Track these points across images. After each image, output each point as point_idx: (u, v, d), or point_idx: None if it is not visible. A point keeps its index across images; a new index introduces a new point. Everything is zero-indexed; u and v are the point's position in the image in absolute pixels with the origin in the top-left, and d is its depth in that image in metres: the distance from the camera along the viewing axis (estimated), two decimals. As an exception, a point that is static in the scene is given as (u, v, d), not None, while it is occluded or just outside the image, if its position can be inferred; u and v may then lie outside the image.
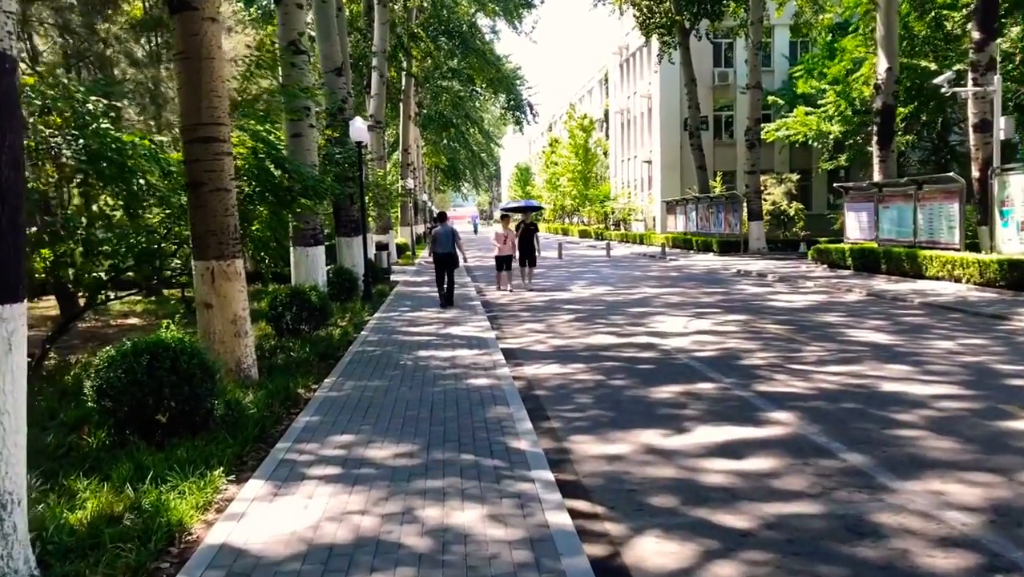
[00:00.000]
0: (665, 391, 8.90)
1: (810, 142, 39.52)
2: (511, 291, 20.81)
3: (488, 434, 6.86)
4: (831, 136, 37.76)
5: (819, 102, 36.96)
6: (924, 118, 35.38)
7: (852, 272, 23.58)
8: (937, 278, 19.67)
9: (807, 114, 37.61)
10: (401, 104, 44.42)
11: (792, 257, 33.16)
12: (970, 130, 20.29)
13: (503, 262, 21.15)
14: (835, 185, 29.66)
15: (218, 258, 8.80)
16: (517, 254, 21.29)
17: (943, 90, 19.71)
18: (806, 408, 7.94)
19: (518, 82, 56.42)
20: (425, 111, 59.30)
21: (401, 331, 13.41)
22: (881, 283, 20.37)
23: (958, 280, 18.80)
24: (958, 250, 19.90)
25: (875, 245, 23.58)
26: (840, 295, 18.63)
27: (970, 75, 19.78)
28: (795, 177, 43.31)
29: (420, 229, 57.91)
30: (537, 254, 21.97)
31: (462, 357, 10.70)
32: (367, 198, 23.06)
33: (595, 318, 15.34)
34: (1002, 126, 18.69)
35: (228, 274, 8.85)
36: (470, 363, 10.25)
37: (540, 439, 6.86)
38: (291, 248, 14.47)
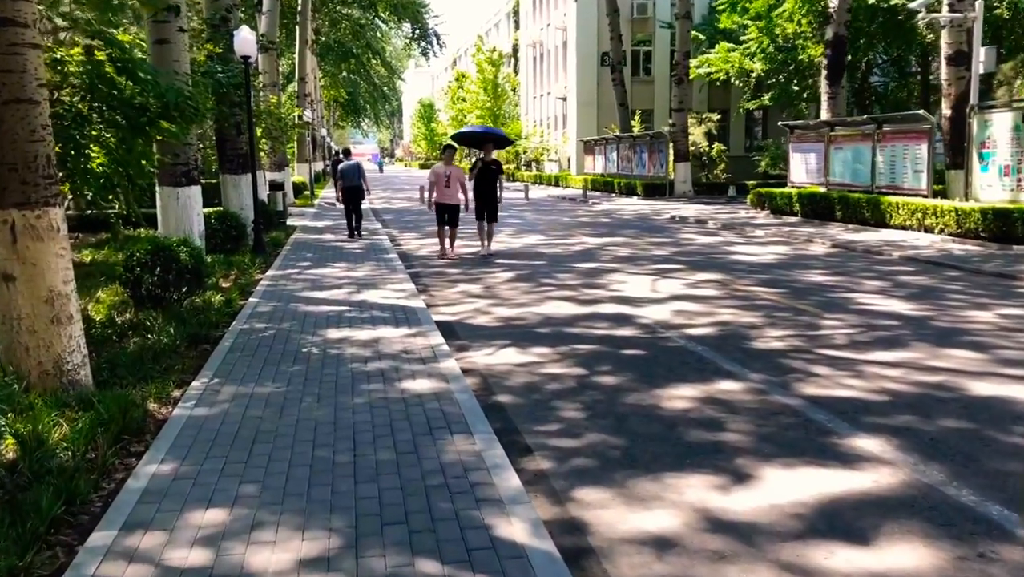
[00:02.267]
0: (678, 396, 6.39)
1: (732, 80, 37.58)
2: (451, 256, 15.12)
3: (453, 502, 4.19)
4: (753, 74, 35.93)
5: (741, 38, 34.88)
6: (849, 57, 33.72)
7: (801, 219, 21.60)
8: (903, 227, 17.78)
9: (730, 51, 35.48)
10: (297, 28, 40.25)
11: (721, 201, 31.29)
12: (943, 63, 18.30)
13: (446, 212, 15.03)
14: (780, 123, 27.62)
15: (21, 206, 5.78)
16: (466, 199, 15.10)
17: (920, 16, 17.62)
18: (896, 429, 5.54)
19: (423, 10, 52.79)
20: (323, 38, 55.06)
21: (302, 297, 10.51)
22: (841, 232, 18.41)
23: (929, 230, 16.92)
24: (926, 196, 18.03)
25: (821, 189, 21.68)
26: (802, 246, 16.53)
27: (946, 1, 17.70)
28: (715, 117, 41.42)
29: (319, 166, 53.90)
30: (499, 202, 15.43)
31: (387, 339, 7.94)
32: (258, 130, 19.81)
33: (540, 277, 12.74)
34: (982, 58, 16.71)
35: (39, 230, 5.85)
36: (400, 350, 7.51)
37: (535, 499, 4.28)
38: (157, 188, 11.33)
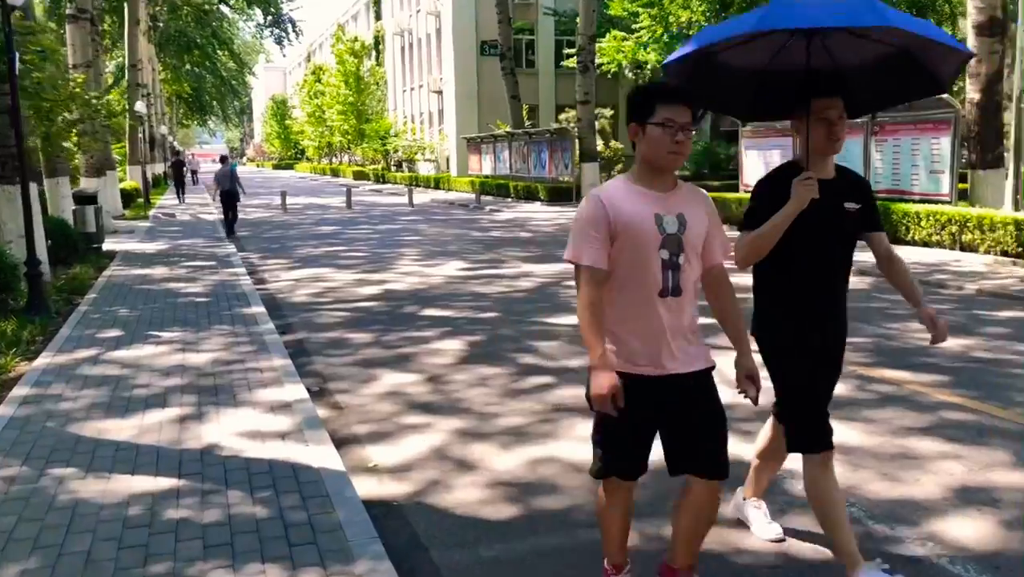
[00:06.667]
0: None
1: (626, 72, 34.06)
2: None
3: None
4: (648, 66, 32.52)
5: (633, 26, 31.27)
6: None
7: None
8: (926, 244, 13.90)
9: (623, 40, 31.79)
10: (127, 5, 33.53)
11: (638, 206, 27.18)
12: (969, 33, 14.55)
13: (648, 410, 2.90)
14: (732, 120, 23.75)
15: None
16: (745, 356, 3.00)
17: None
18: None
19: (276, -6, 47.17)
20: (161, 25, 48.26)
21: (83, 440, 5.18)
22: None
23: (969, 248, 13.08)
24: (948, 203, 14.28)
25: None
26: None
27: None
28: (608, 113, 37.53)
29: (159, 168, 46.91)
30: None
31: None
32: (62, 118, 14.07)
33: (507, 349, 7.82)
34: (1028, 26, 13.01)
35: None
36: None
37: None
38: None
